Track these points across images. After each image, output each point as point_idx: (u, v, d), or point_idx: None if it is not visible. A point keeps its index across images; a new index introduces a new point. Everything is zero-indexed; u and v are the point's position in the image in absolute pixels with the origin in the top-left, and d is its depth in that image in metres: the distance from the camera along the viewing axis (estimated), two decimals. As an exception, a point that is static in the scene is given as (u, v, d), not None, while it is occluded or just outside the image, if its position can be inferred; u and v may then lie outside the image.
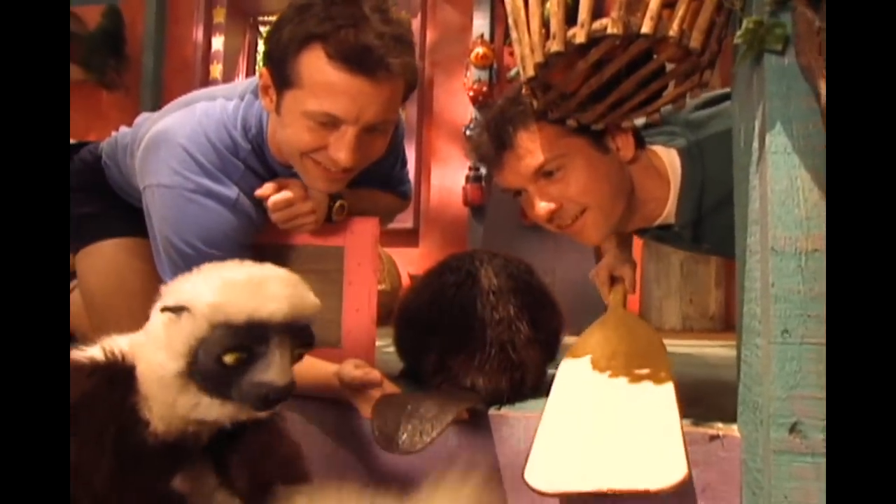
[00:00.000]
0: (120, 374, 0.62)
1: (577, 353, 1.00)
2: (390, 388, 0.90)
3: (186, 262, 0.99)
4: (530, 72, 0.74)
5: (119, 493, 0.61)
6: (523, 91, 0.87)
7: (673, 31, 0.66)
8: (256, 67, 3.94)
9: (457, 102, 3.20)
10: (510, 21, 0.75)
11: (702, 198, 1.00)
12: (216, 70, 3.63)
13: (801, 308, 0.62)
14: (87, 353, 0.64)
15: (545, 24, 0.71)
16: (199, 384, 0.61)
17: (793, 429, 0.63)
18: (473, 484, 0.69)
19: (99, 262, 1.24)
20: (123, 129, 1.27)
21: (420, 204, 3.24)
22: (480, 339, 0.94)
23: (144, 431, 0.62)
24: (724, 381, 0.91)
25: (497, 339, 0.94)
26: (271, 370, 0.60)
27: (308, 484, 0.73)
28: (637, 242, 1.29)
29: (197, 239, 1.00)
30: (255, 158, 1.06)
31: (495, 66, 3.12)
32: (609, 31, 0.67)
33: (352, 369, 0.90)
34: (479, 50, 3.05)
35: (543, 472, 0.76)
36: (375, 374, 0.89)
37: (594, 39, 0.68)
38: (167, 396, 0.61)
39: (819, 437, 0.61)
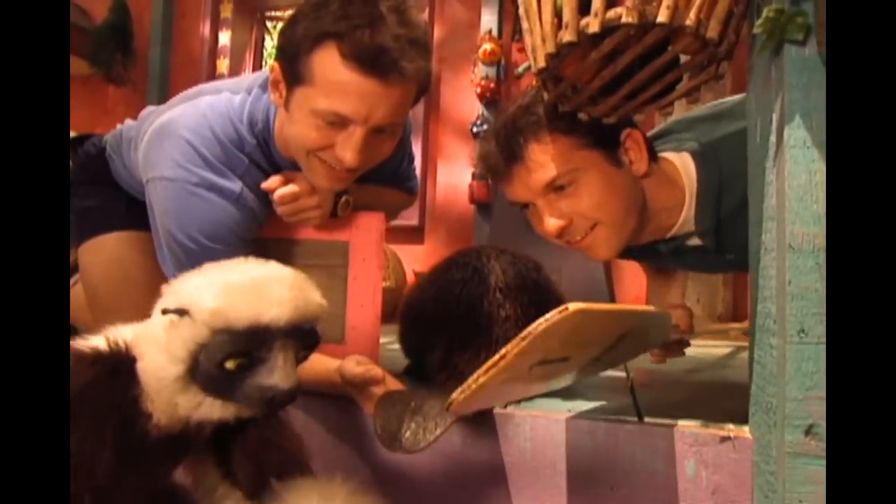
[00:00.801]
0: (123, 366, 0.61)
1: None
2: (394, 383, 0.89)
3: (188, 255, 0.99)
4: (542, 63, 0.72)
5: (120, 485, 0.60)
6: (534, 83, 0.85)
7: (690, 20, 0.64)
8: (263, 63, 3.94)
9: (464, 99, 3.18)
10: (521, 11, 0.73)
11: (720, 200, 0.98)
12: (223, 65, 3.63)
13: (819, 307, 0.60)
14: (91, 342, 0.62)
15: (557, 13, 0.69)
16: (201, 386, 0.60)
17: (808, 431, 0.61)
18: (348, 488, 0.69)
19: (101, 256, 1.23)
20: (128, 121, 1.26)
21: (426, 201, 3.23)
22: (486, 336, 0.93)
23: (147, 423, 0.61)
24: (733, 382, 0.89)
25: (503, 336, 0.93)
26: (275, 374, 0.58)
27: (310, 477, 0.72)
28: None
29: (199, 233, 0.99)
30: (259, 153, 1.05)
31: (503, 62, 3.09)
32: (624, 20, 0.65)
33: (353, 366, 0.88)
34: (487, 46, 3.02)
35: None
36: (377, 371, 0.87)
37: (608, 29, 0.66)
38: (168, 396, 0.60)
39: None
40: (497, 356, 0.60)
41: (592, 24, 0.66)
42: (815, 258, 0.61)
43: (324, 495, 0.67)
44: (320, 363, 0.92)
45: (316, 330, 0.64)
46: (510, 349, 0.59)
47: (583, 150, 0.91)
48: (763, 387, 0.71)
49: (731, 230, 0.99)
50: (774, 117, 0.66)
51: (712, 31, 0.66)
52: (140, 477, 0.63)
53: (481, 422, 0.88)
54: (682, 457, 0.79)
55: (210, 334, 0.58)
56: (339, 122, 0.92)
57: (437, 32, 3.30)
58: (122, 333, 0.64)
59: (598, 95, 0.78)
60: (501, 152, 0.95)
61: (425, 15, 3.29)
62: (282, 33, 0.96)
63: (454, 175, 3.21)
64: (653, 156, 0.98)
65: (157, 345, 0.60)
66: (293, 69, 0.92)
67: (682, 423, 0.81)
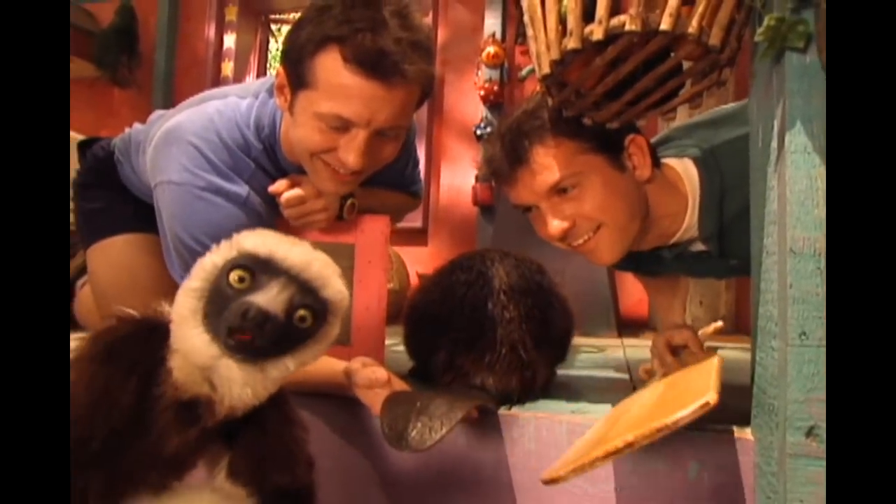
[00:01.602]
0: (160, 327, 0.64)
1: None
2: (399, 384, 0.90)
3: (195, 258, 0.99)
4: (546, 69, 0.73)
5: (131, 438, 0.62)
6: (538, 88, 0.86)
7: (692, 28, 0.65)
8: (268, 65, 3.96)
9: (467, 102, 3.19)
10: (526, 18, 0.74)
11: (723, 205, 0.99)
12: (227, 68, 3.64)
13: (820, 310, 0.61)
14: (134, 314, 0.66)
15: (562, 21, 0.70)
16: (206, 322, 0.60)
17: (809, 433, 0.62)
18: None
19: (110, 258, 1.24)
20: (137, 125, 1.27)
21: (429, 203, 3.23)
22: (491, 338, 0.94)
23: (167, 380, 0.62)
24: (735, 384, 0.90)
25: (508, 338, 0.94)
26: (259, 295, 0.59)
27: (310, 477, 0.72)
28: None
29: (206, 236, 1.00)
30: (265, 158, 1.06)
31: (506, 65, 3.11)
32: (627, 27, 0.66)
33: (359, 367, 0.89)
34: (491, 49, 3.03)
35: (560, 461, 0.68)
36: (382, 373, 0.88)
37: (612, 36, 0.67)
38: (185, 334, 0.61)
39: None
40: (623, 443, 0.56)
41: (596, 32, 0.67)
42: (816, 262, 0.62)
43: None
44: (326, 364, 0.93)
45: (323, 299, 0.63)
46: (639, 439, 0.56)
47: (587, 154, 0.92)
48: (765, 389, 0.72)
49: (734, 235, 1.00)
50: (776, 123, 0.67)
51: (714, 39, 0.67)
52: (150, 437, 0.64)
53: (486, 423, 0.89)
54: (684, 458, 0.80)
55: (237, 254, 0.62)
56: (341, 126, 0.93)
57: (441, 35, 3.32)
58: (163, 308, 0.66)
59: (601, 101, 0.79)
60: (506, 156, 0.96)
61: (429, 18, 3.30)
62: (286, 38, 0.97)
63: (457, 177, 3.22)
64: (656, 162, 0.99)
65: (188, 281, 0.64)
66: (297, 73, 0.93)
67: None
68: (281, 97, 0.99)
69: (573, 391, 1.05)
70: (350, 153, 0.94)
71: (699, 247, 1.06)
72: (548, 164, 0.92)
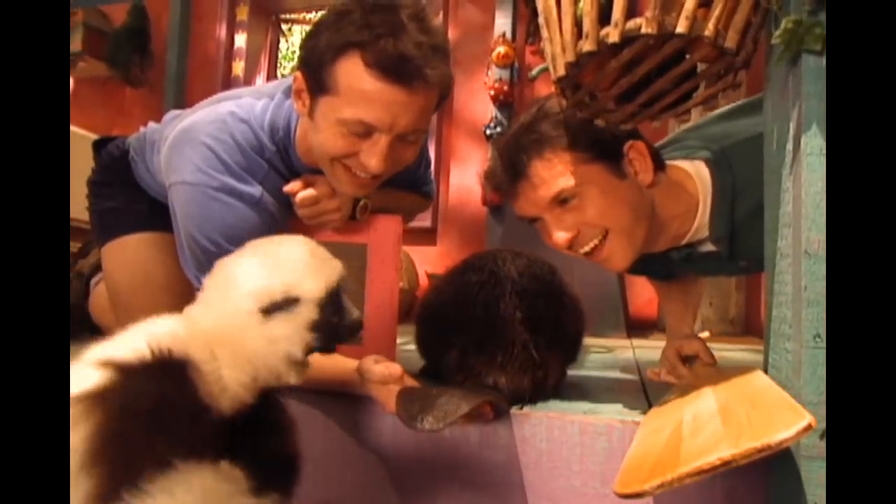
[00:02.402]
0: (176, 370, 0.61)
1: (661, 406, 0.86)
2: (411, 383, 0.90)
3: (209, 258, 1.00)
4: (561, 71, 0.73)
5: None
6: (552, 88, 0.86)
7: (708, 30, 0.65)
8: (278, 64, 3.97)
9: (477, 102, 3.19)
10: (541, 20, 0.75)
11: (734, 207, 0.99)
12: (238, 67, 3.66)
13: (834, 313, 0.61)
14: (129, 349, 0.61)
15: (577, 23, 0.70)
16: (320, 350, 0.70)
17: (823, 435, 0.62)
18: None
19: (124, 256, 1.25)
20: (152, 124, 1.28)
21: (438, 203, 3.24)
22: (503, 338, 0.94)
23: (206, 414, 0.61)
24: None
25: (519, 338, 0.94)
26: (354, 310, 0.71)
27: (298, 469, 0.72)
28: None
29: (220, 236, 1.01)
30: (279, 159, 1.07)
31: (517, 65, 3.11)
32: (643, 30, 0.66)
33: (372, 364, 0.90)
34: (501, 49, 3.03)
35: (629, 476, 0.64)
36: (396, 368, 0.89)
37: (627, 39, 0.68)
38: (267, 377, 0.66)
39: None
40: (719, 461, 0.54)
41: (612, 35, 0.67)
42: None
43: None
44: (339, 363, 0.94)
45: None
46: (737, 458, 0.54)
47: (586, 164, 0.93)
48: (778, 391, 0.72)
49: (744, 236, 1.00)
50: (791, 125, 0.67)
51: (730, 41, 0.67)
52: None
53: (498, 422, 0.89)
54: (697, 459, 0.80)
55: (319, 310, 0.66)
56: (364, 131, 0.93)
57: (451, 35, 3.32)
58: (158, 334, 0.63)
59: (615, 103, 0.79)
60: (506, 171, 0.97)
61: (439, 18, 3.31)
62: (304, 44, 0.97)
63: (467, 177, 3.22)
64: (659, 165, 0.99)
65: (241, 342, 0.65)
66: (317, 79, 0.93)
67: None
68: (299, 102, 0.99)
69: (584, 391, 1.06)
70: (372, 158, 0.94)
71: (709, 247, 1.06)
72: (547, 177, 0.93)
